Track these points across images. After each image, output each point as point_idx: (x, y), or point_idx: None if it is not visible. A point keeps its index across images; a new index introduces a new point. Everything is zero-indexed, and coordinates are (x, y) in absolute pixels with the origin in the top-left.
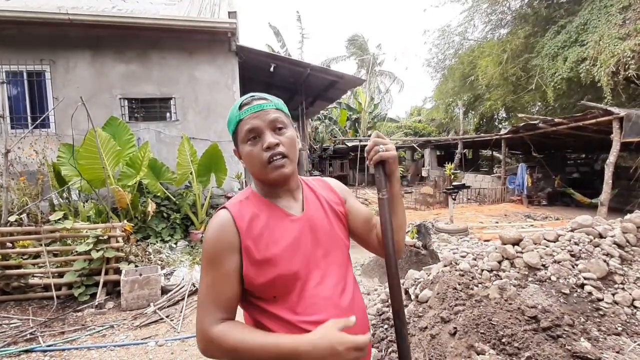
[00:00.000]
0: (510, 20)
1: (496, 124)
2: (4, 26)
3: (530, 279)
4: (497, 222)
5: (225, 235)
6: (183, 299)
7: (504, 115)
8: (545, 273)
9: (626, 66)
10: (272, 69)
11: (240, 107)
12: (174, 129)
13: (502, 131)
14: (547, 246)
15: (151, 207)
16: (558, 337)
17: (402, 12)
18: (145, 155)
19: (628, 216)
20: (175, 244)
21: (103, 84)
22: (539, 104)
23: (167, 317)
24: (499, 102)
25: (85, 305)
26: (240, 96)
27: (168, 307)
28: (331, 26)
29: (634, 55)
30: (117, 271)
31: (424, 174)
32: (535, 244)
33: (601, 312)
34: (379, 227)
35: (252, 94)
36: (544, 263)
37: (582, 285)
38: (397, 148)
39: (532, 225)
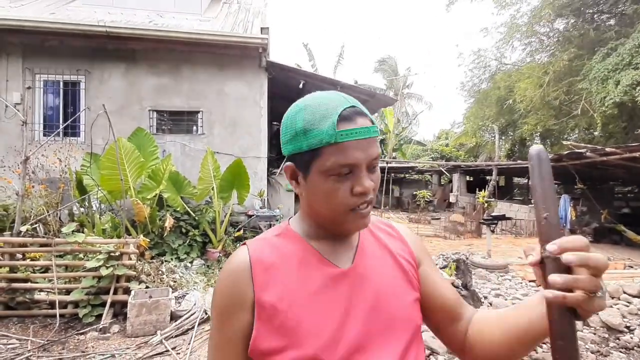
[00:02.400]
0: (552, 42)
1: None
2: (46, 37)
3: (611, 344)
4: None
5: (236, 285)
6: (193, 327)
7: (538, 142)
8: (632, 338)
9: None
10: (301, 85)
11: (339, 122)
12: (200, 143)
13: None
14: (629, 302)
15: (169, 222)
16: None
17: (436, 33)
18: (167, 167)
19: None
20: (191, 262)
21: (134, 96)
22: (577, 130)
23: (173, 349)
24: (538, 127)
25: (90, 328)
26: (268, 112)
27: (176, 336)
28: (362, 48)
29: None
30: (127, 291)
31: (452, 199)
32: (613, 297)
33: None
34: (475, 325)
35: (347, 100)
36: (628, 324)
37: None
38: (424, 172)
39: None
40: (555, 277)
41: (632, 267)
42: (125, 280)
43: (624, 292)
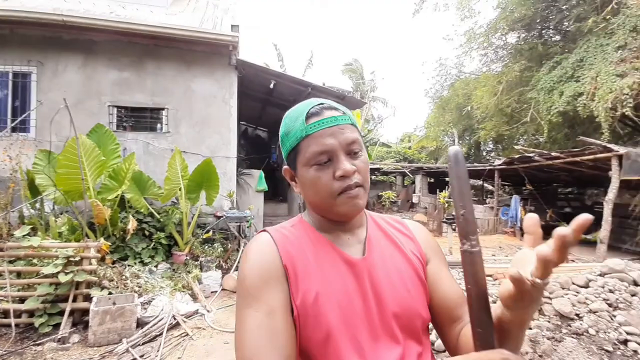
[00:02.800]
0: (505, 54)
1: (484, 154)
2: None
3: (564, 330)
4: (493, 255)
5: (270, 261)
6: (161, 334)
7: (491, 146)
8: (581, 324)
9: (623, 103)
10: (272, 85)
11: (307, 118)
12: (164, 141)
13: (496, 162)
14: (577, 292)
15: (132, 225)
16: None
17: (400, 39)
18: (130, 167)
19: None
20: (156, 266)
21: (92, 90)
22: (525, 136)
23: (141, 357)
24: (492, 132)
25: (47, 338)
26: (238, 111)
27: (143, 344)
28: (330, 51)
29: (632, 94)
30: (88, 298)
31: (414, 200)
32: (564, 288)
33: None
34: (469, 325)
35: (319, 100)
36: (577, 312)
37: (625, 342)
38: (388, 173)
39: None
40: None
41: (574, 260)
42: (85, 286)
43: (573, 283)
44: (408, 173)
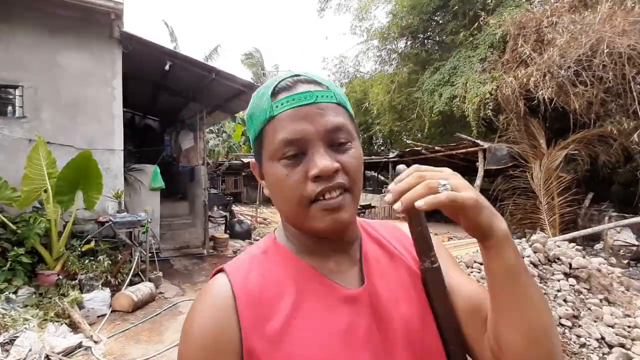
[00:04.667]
0: (396, 57)
1: (375, 148)
2: None
3: None
4: None
5: (216, 327)
6: None
7: (381, 141)
8: None
9: (486, 106)
10: (167, 67)
11: (274, 93)
12: (19, 129)
13: (390, 155)
14: (480, 269)
15: None
16: None
17: (308, 33)
18: None
19: (534, 237)
20: (15, 292)
21: None
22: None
23: None
24: (386, 128)
25: None
26: (123, 94)
27: None
28: (232, 41)
29: (491, 98)
30: None
31: None
32: (469, 267)
33: None
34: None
35: (294, 72)
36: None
37: None
38: None
39: None
40: (399, 189)
41: (452, 238)
42: None
43: (475, 262)
44: None
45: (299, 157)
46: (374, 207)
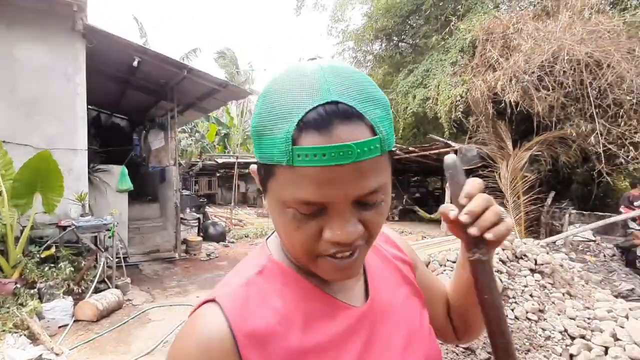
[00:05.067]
0: (372, 59)
1: None
2: None
3: None
4: None
5: None
6: None
7: None
8: None
9: (457, 108)
10: (135, 63)
11: (301, 128)
12: None
13: None
14: (453, 268)
15: None
16: None
17: (284, 32)
18: None
19: None
20: None
21: None
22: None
23: None
24: None
25: None
26: (88, 91)
27: None
28: (204, 39)
29: (462, 100)
30: None
31: None
32: (442, 265)
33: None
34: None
35: (330, 90)
36: None
37: None
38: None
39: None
40: (472, 210)
41: (425, 237)
42: None
43: (448, 260)
44: None
45: (316, 216)
46: None
